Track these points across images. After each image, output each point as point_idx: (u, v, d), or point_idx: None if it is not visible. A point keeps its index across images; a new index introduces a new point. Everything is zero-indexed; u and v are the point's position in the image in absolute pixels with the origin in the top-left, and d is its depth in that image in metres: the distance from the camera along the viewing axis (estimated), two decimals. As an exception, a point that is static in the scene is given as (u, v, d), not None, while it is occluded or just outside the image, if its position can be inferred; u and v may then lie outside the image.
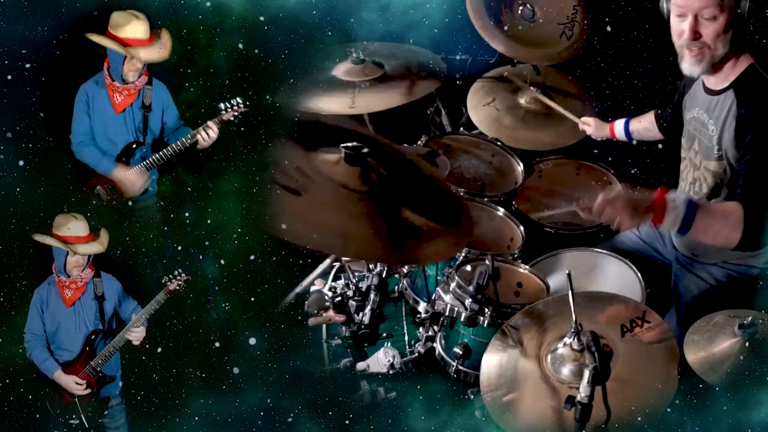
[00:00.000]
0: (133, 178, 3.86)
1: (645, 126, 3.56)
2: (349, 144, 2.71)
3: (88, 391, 3.76)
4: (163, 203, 4.01)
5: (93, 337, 3.78)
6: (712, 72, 2.90)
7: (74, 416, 3.77)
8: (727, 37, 2.81)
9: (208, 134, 3.75)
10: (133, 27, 3.65)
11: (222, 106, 3.75)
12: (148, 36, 3.69)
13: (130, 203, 3.94)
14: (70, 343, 3.78)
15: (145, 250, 3.96)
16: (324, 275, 3.72)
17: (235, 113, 3.76)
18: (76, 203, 3.95)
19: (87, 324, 3.78)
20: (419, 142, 3.74)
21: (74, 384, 3.74)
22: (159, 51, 3.72)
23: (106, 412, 3.84)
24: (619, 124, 3.64)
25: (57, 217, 3.69)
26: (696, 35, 2.81)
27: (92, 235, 3.71)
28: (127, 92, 3.82)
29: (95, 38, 3.67)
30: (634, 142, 3.68)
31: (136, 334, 3.74)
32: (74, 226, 3.68)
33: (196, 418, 3.63)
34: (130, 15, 3.67)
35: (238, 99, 3.75)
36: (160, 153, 3.83)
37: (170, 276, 3.73)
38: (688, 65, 2.87)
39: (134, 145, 3.89)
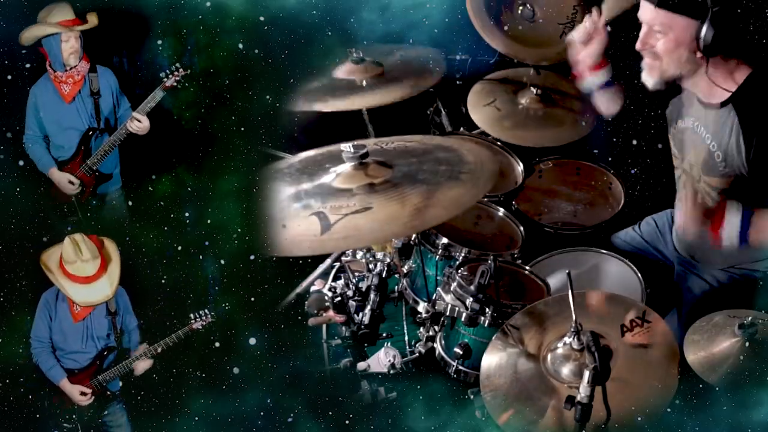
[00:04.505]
0: (63, 180, 3.92)
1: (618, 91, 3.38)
2: (349, 144, 2.72)
3: (91, 400, 3.76)
4: (163, 203, 4.01)
5: (105, 353, 3.78)
6: (701, 85, 2.86)
7: (70, 421, 3.76)
8: (681, 58, 2.78)
9: (134, 125, 3.81)
10: (56, 12, 3.76)
11: (162, 74, 3.80)
12: (74, 17, 3.78)
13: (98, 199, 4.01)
14: (76, 354, 3.77)
15: (145, 250, 3.96)
16: (324, 275, 3.73)
17: (177, 77, 3.81)
18: (75, 203, 3.96)
19: (95, 340, 3.76)
20: (419, 142, 3.74)
21: (79, 395, 3.73)
22: (88, 24, 3.82)
23: (105, 412, 3.83)
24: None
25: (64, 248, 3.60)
26: (645, 45, 2.83)
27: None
28: (72, 80, 3.86)
29: (29, 33, 3.76)
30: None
31: (142, 364, 3.76)
32: None
33: (196, 418, 3.63)
34: (51, 6, 3.78)
35: (177, 65, 3.81)
36: (100, 149, 3.89)
37: (197, 314, 3.73)
38: (643, 74, 2.90)
39: (90, 132, 3.93)
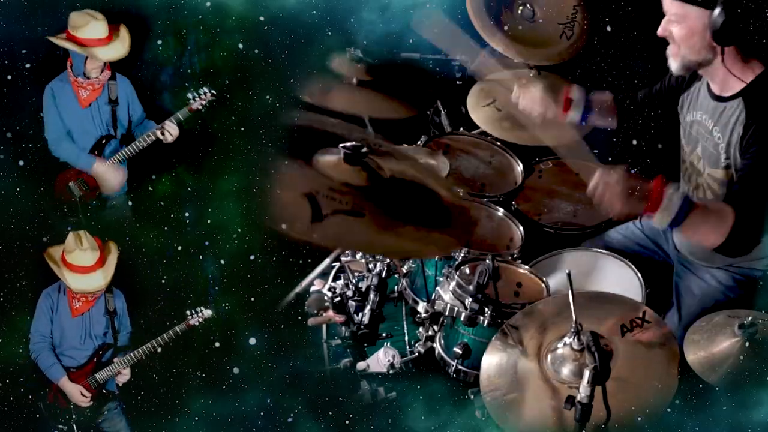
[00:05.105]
0: (112, 173, 3.91)
1: (604, 109, 3.44)
2: (348, 144, 2.71)
3: (91, 403, 3.76)
4: (163, 203, 4.02)
5: (100, 351, 3.78)
6: (718, 74, 2.89)
7: (65, 422, 3.76)
8: (696, 46, 2.82)
9: (164, 134, 3.82)
10: (91, 28, 3.70)
11: (190, 95, 3.81)
12: (107, 34, 3.74)
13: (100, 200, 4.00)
14: (73, 351, 3.77)
15: (145, 250, 3.96)
16: (324, 275, 3.72)
17: (203, 101, 3.81)
18: (78, 203, 3.96)
19: (93, 338, 3.77)
20: (419, 142, 3.74)
21: (80, 394, 3.73)
22: (117, 50, 3.77)
23: (101, 419, 3.83)
24: (578, 93, 3.40)
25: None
26: (665, 31, 2.87)
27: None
28: (91, 87, 3.86)
29: (55, 40, 3.74)
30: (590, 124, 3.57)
31: (123, 377, 3.79)
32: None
33: (196, 418, 3.63)
34: (88, 16, 3.72)
35: (206, 88, 3.81)
36: (128, 148, 3.88)
37: (193, 311, 3.74)
38: (669, 60, 2.93)
39: (104, 140, 3.92)
